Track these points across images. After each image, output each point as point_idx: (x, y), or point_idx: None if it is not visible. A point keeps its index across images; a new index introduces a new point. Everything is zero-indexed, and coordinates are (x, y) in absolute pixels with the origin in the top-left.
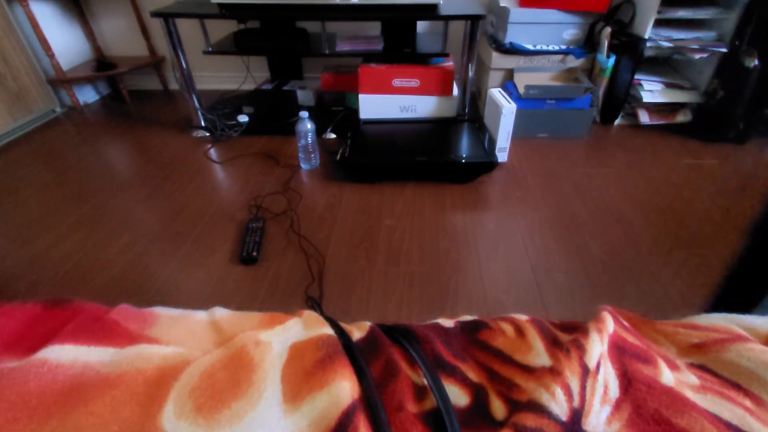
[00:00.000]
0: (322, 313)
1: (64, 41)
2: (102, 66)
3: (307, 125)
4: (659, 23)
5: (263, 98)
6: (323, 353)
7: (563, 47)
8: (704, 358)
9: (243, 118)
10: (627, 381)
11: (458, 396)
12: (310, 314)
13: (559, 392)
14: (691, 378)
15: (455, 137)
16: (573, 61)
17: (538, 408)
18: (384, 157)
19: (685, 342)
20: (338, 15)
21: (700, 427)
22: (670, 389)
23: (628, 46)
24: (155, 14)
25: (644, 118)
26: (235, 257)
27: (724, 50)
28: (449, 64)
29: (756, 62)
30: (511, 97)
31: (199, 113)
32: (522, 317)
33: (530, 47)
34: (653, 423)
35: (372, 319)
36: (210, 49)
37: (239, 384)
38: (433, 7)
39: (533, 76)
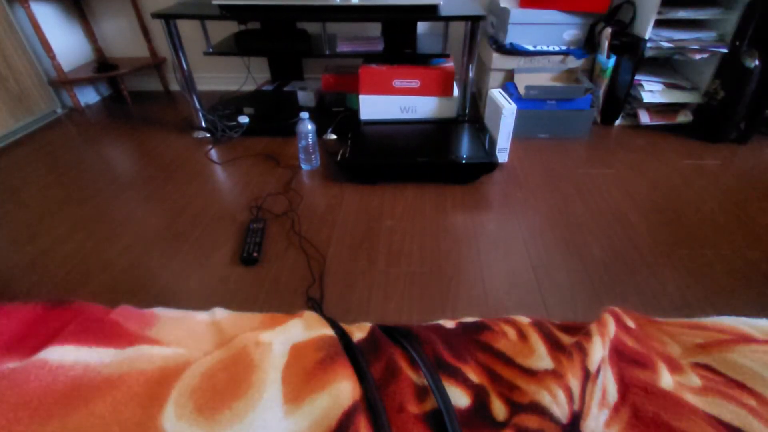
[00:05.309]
0: (322, 314)
1: (65, 42)
2: (103, 67)
3: (307, 126)
4: (660, 24)
5: (264, 99)
6: (324, 354)
7: (563, 48)
8: (708, 357)
9: (244, 119)
10: (625, 386)
11: (459, 397)
12: (310, 315)
13: (560, 394)
14: (694, 379)
15: (456, 138)
16: (573, 62)
17: (539, 410)
18: (384, 157)
19: (690, 342)
20: (339, 16)
21: (700, 430)
22: (667, 393)
23: (629, 46)
24: (156, 15)
25: (645, 118)
26: (235, 258)
27: (725, 50)
28: (449, 64)
29: (757, 62)
30: (511, 98)
31: (200, 114)
32: (524, 319)
33: (530, 48)
34: (653, 426)
35: (373, 320)
36: (211, 50)
37: (240, 385)
38: (434, 8)
39: (534, 77)
